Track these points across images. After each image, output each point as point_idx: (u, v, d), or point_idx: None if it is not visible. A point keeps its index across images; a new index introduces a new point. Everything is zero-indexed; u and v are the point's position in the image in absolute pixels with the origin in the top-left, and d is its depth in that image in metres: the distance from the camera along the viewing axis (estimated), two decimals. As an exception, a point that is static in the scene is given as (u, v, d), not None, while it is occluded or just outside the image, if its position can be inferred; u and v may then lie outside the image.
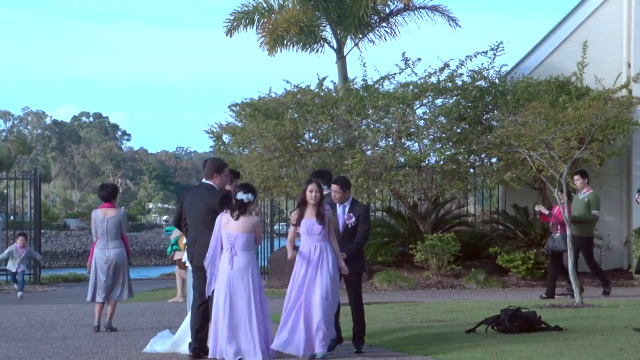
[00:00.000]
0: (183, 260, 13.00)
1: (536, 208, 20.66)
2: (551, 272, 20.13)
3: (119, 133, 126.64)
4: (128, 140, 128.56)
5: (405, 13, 26.55)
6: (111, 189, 15.38)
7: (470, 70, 24.41)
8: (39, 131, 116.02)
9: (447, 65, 24.14)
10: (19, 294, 23.27)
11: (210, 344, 11.17)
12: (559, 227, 19.59)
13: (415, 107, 24.21)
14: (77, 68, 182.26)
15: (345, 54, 26.44)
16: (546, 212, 20.30)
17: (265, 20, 26.15)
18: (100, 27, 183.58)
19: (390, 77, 24.45)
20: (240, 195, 11.09)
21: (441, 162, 23.59)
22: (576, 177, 20.58)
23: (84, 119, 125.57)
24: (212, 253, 11.15)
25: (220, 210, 11.31)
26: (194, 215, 11.62)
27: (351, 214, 12.10)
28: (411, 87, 23.80)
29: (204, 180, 11.90)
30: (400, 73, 24.38)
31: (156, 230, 73.07)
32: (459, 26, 26.63)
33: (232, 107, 26.03)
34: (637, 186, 13.31)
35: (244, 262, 11.09)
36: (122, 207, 15.68)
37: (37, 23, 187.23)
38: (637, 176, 24.10)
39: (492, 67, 24.64)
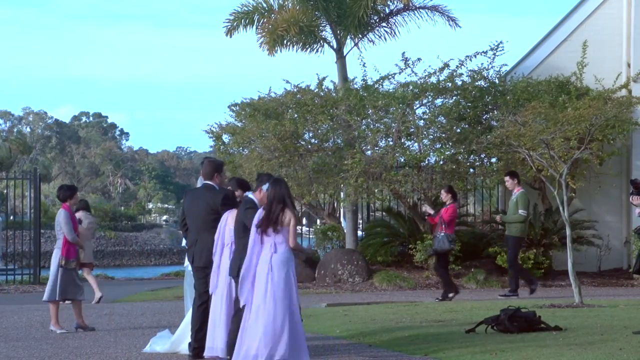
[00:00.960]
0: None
1: (423, 209, 20.55)
2: (440, 273, 19.83)
3: (117, 132, 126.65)
4: (127, 139, 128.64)
5: (405, 13, 26.53)
6: (64, 190, 15.41)
7: (470, 70, 24.43)
8: (39, 131, 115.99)
9: (446, 65, 24.16)
10: None
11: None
12: (442, 227, 19.48)
13: (415, 107, 24.22)
14: (76, 68, 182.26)
15: (345, 54, 26.44)
16: (432, 211, 20.26)
17: (265, 20, 26.14)
18: (100, 27, 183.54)
19: (390, 77, 24.47)
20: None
21: (441, 162, 23.60)
22: (506, 177, 20.53)
23: (83, 118, 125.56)
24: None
25: (222, 210, 11.27)
26: (194, 215, 11.61)
27: None
28: (411, 87, 23.81)
29: (203, 180, 11.88)
30: (400, 73, 24.43)
31: (156, 230, 73.12)
32: (459, 26, 26.63)
33: (232, 107, 26.04)
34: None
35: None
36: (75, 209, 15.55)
37: (38, 23, 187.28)
38: (637, 176, 24.09)
39: (491, 67, 24.69)
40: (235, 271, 10.83)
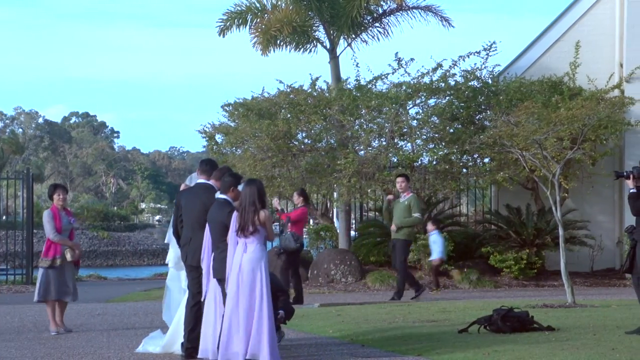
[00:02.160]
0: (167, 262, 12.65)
1: (273, 203, 20.13)
2: (283, 270, 19.17)
3: (108, 131, 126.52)
4: (117, 137, 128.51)
5: (398, 13, 26.54)
6: (48, 188, 15.33)
7: (463, 71, 24.47)
8: (31, 131, 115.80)
9: (440, 65, 24.18)
10: None
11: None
12: (289, 225, 18.97)
13: (408, 107, 24.24)
14: (68, 68, 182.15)
15: (338, 54, 26.44)
16: (279, 207, 19.82)
17: (258, 20, 26.12)
18: (92, 27, 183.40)
19: (383, 77, 24.49)
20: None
21: (434, 162, 23.64)
22: (400, 179, 19.90)
23: (74, 119, 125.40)
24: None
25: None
26: (189, 214, 11.58)
27: None
28: (404, 87, 23.83)
29: (201, 179, 11.85)
30: (393, 73, 24.45)
31: (149, 230, 73.06)
32: (452, 26, 26.63)
33: (225, 107, 26.04)
34: (629, 188, 13.26)
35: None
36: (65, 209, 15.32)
37: (30, 23, 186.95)
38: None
39: (485, 67, 24.72)
40: (219, 273, 10.89)
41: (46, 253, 14.69)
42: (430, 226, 21.81)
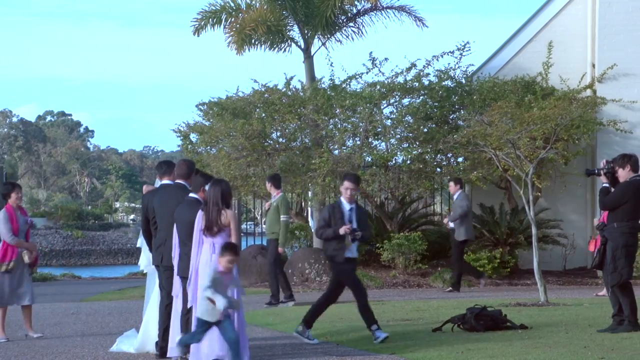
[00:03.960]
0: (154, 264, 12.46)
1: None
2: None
3: (82, 130, 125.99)
4: (92, 137, 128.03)
5: (372, 13, 26.58)
6: (5, 189, 14.24)
7: (437, 70, 24.53)
8: (5, 130, 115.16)
9: (414, 65, 24.23)
10: None
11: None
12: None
13: (382, 107, 24.27)
14: (40, 67, 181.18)
15: (312, 54, 26.45)
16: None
17: (233, 19, 26.09)
18: (64, 26, 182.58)
19: (357, 76, 24.51)
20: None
21: (408, 162, 23.67)
22: (269, 183, 18.56)
23: (48, 117, 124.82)
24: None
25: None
26: (165, 215, 11.50)
27: None
28: (378, 87, 23.85)
29: (167, 180, 11.79)
30: (367, 73, 24.48)
31: (123, 230, 72.69)
32: (426, 26, 26.70)
33: (200, 107, 25.98)
34: (600, 185, 13.35)
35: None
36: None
37: (0, 21, 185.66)
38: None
39: (458, 67, 24.79)
40: (185, 271, 10.89)
41: (3, 257, 13.83)
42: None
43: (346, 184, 12.64)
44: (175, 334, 11.06)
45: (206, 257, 10.70)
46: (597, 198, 13.21)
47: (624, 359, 10.17)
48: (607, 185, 12.95)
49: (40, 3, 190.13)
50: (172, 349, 11.08)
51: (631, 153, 13.31)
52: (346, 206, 12.60)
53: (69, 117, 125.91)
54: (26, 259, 13.96)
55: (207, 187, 11.03)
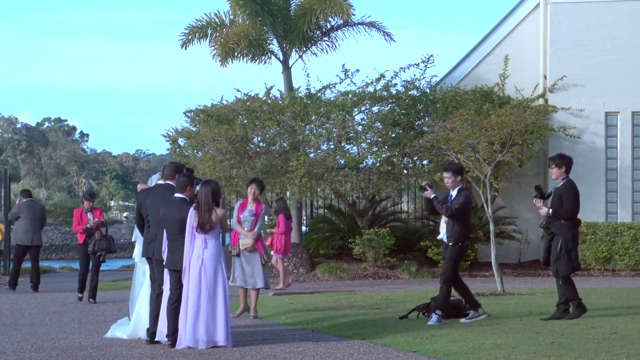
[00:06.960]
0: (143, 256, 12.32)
1: None
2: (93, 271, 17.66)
3: (78, 135, 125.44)
4: (87, 140, 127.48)
5: (345, 28, 26.57)
6: None
7: (403, 81, 24.56)
8: (9, 135, 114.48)
9: (382, 76, 24.26)
10: None
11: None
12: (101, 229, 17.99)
13: (354, 114, 24.28)
14: (38, 76, 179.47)
15: (290, 65, 26.42)
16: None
17: (218, 34, 26.05)
18: (61, 39, 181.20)
19: (331, 86, 24.51)
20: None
21: (377, 164, 23.69)
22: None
23: (46, 124, 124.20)
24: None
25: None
26: (155, 212, 11.47)
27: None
28: (350, 96, 23.87)
29: (161, 180, 11.80)
30: (340, 83, 24.48)
31: (117, 226, 72.35)
32: (394, 40, 26.69)
33: (187, 113, 25.92)
34: (550, 187, 13.40)
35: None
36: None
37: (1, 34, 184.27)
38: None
39: (423, 78, 24.83)
40: (178, 265, 10.89)
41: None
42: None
43: (444, 174, 13.18)
44: (164, 321, 11.08)
45: (198, 251, 10.81)
46: (549, 198, 13.18)
47: (573, 344, 10.20)
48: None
49: (35, 18, 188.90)
50: (160, 334, 11.14)
51: (568, 155, 13.34)
52: (452, 193, 13.01)
53: (65, 123, 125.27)
54: None
55: (191, 187, 11.11)
